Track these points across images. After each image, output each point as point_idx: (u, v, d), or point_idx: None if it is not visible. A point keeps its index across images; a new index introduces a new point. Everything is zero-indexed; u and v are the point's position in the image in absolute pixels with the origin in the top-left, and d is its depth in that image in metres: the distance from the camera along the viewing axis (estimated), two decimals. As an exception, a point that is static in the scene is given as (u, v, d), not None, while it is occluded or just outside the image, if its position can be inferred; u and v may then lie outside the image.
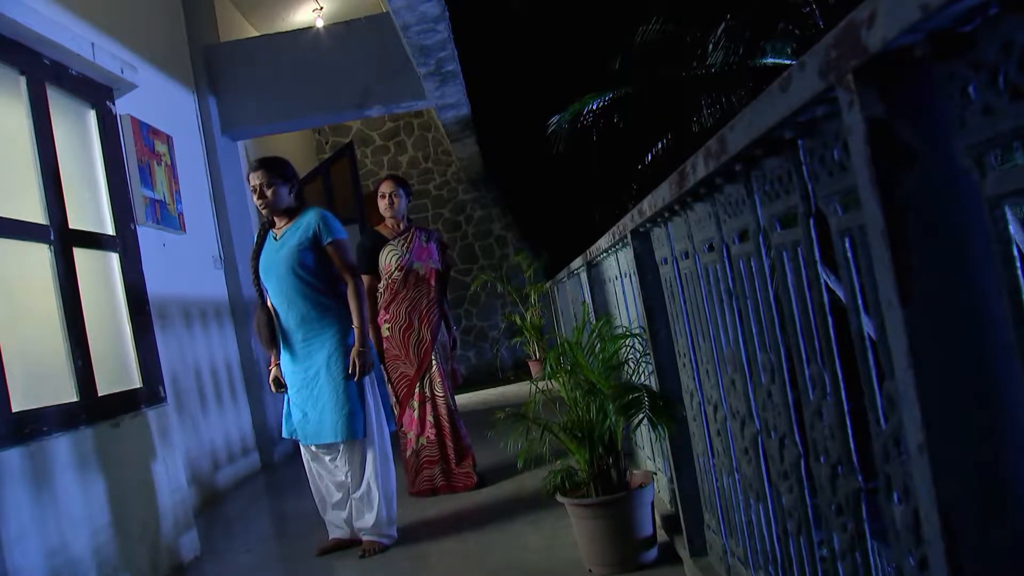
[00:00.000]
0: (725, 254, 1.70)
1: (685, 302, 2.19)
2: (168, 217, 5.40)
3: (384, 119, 10.82)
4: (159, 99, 5.69)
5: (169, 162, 5.58)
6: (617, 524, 2.72)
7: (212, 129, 6.50)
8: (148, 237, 5.05)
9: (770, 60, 10.21)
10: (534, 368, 9.52)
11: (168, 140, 5.63)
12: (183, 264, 5.57)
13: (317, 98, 6.77)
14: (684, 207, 1.87)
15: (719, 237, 1.69)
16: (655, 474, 2.99)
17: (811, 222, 1.19)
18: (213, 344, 5.84)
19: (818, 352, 1.26)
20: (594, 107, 10.63)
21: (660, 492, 3.22)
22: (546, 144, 10.43)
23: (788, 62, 9.90)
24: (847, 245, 1.06)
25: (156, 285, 4.94)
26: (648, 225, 2.29)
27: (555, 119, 10.24)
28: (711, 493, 2.29)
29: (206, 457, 5.31)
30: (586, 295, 4.31)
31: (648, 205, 2.09)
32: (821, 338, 1.20)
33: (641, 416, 2.39)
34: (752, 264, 1.52)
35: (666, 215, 2.04)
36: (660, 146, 11.21)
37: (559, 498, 2.80)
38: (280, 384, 3.55)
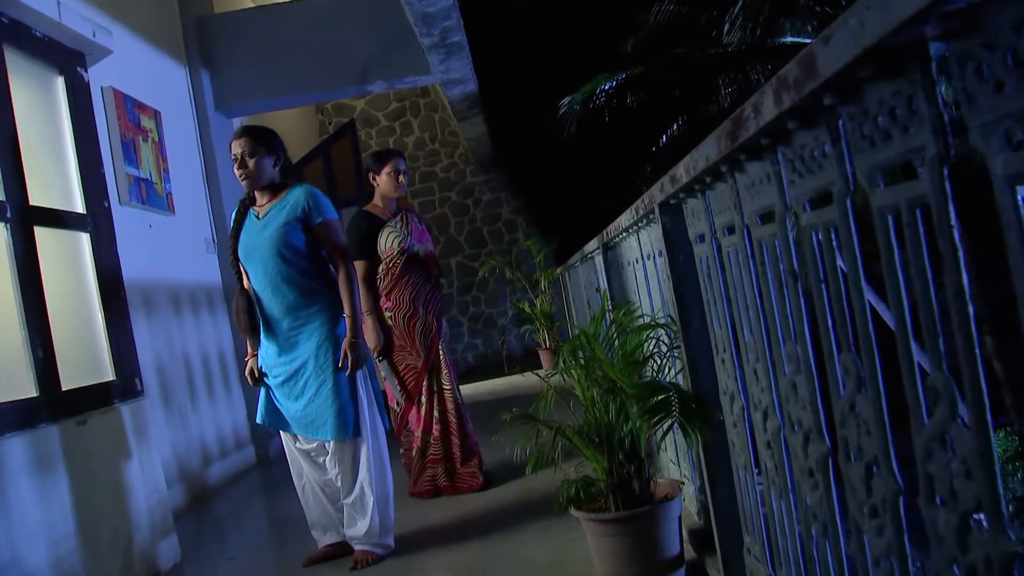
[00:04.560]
0: (789, 226, 1.34)
1: (726, 287, 1.84)
2: (155, 197, 5.05)
3: (389, 99, 10.45)
4: (146, 72, 5.33)
5: (156, 139, 5.24)
6: (639, 542, 2.37)
7: (205, 105, 6.14)
8: (132, 218, 4.73)
9: (789, 39, 9.84)
10: (544, 357, 9.16)
11: (156, 115, 5.28)
12: (171, 247, 5.23)
13: (316, 73, 6.40)
14: (733, 168, 1.51)
15: (782, 204, 1.33)
16: (682, 483, 2.64)
17: (945, 171, 0.83)
18: (204, 332, 5.50)
19: (943, 356, 0.91)
20: (606, 87, 10.29)
21: (685, 501, 2.87)
22: (557, 125, 10.08)
23: (807, 40, 9.50)
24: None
25: (141, 269, 4.63)
26: (682, 195, 1.93)
27: (567, 100, 9.89)
28: (754, 513, 1.94)
29: (195, 452, 4.98)
30: (602, 280, 3.95)
31: (684, 169, 1.72)
32: (963, 338, 0.84)
33: (671, 421, 2.03)
34: (833, 237, 1.17)
35: (707, 180, 1.68)
36: (675, 128, 10.86)
37: (574, 512, 2.45)
38: (256, 377, 3.22)
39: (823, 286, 1.25)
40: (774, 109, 1.11)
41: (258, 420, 3.24)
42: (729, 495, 2.11)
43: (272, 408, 3.19)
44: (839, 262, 1.19)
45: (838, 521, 1.38)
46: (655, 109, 10.67)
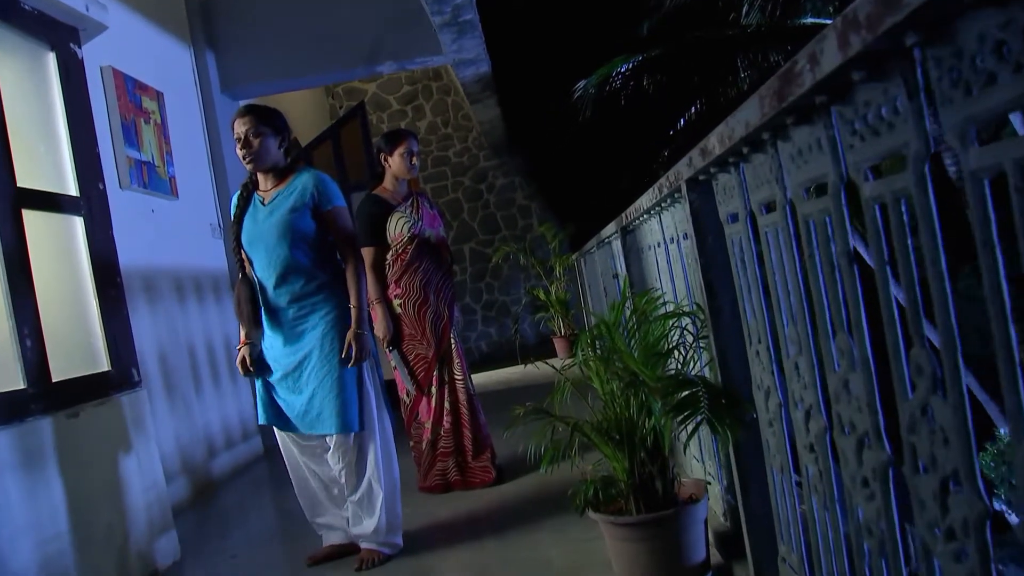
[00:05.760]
0: (844, 199, 1.16)
1: (762, 271, 1.66)
2: (157, 180, 4.90)
3: (401, 82, 10.26)
4: (149, 52, 5.17)
5: (159, 121, 5.08)
6: (663, 547, 2.20)
7: (210, 87, 5.97)
8: (133, 202, 4.58)
9: (810, 20, 9.61)
10: (559, 345, 8.98)
11: (159, 97, 5.12)
12: (175, 232, 5.07)
13: (325, 54, 6.22)
14: (776, 134, 1.33)
15: (837, 174, 1.15)
16: (708, 483, 2.46)
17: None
18: (210, 320, 5.36)
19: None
20: (623, 70, 10.09)
21: (711, 501, 2.69)
22: (572, 109, 9.87)
23: (828, 21, 9.25)
24: None
25: (143, 255, 4.49)
26: (713, 170, 1.74)
27: (582, 84, 9.68)
28: (791, 520, 1.76)
29: (200, 444, 4.84)
30: (620, 266, 3.77)
31: (718, 139, 1.54)
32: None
33: (700, 418, 1.85)
34: (903, 210, 0.98)
35: (744, 151, 1.49)
36: (693, 111, 10.66)
37: (592, 515, 2.28)
38: (248, 368, 3.05)
39: (887, 268, 1.07)
40: (838, 56, 0.92)
41: (260, 421, 3.08)
42: (762, 499, 1.93)
43: (272, 406, 3.02)
44: (926, 238, 1.01)
45: (898, 539, 1.20)
46: (672, 92, 10.46)
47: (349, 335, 2.92)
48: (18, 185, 2.94)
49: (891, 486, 1.19)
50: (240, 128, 2.98)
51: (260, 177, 3.06)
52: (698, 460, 2.85)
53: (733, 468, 2.05)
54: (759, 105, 1.24)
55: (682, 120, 10.81)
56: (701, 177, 1.85)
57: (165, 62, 5.44)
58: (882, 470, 1.19)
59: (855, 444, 1.27)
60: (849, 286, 1.18)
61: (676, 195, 2.18)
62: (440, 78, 10.27)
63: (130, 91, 4.75)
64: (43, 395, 2.84)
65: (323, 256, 3.03)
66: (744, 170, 1.60)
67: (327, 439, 2.99)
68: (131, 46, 4.83)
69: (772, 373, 1.69)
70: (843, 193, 1.16)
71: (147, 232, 4.65)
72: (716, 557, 2.43)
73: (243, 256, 3.07)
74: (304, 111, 8.76)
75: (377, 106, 10.25)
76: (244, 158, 2.99)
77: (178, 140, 5.30)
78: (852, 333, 1.20)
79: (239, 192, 3.11)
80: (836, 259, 1.22)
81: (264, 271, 2.99)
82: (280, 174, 3.04)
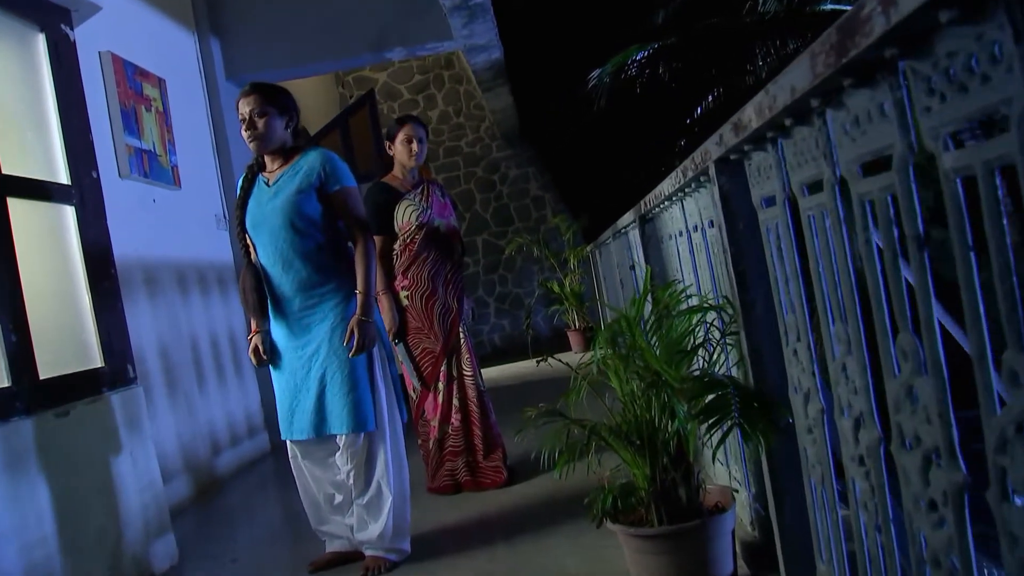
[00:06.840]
0: (911, 174, 0.98)
1: (802, 261, 1.48)
2: (159, 170, 4.75)
3: (412, 70, 10.08)
4: (150, 38, 5.01)
5: (161, 108, 4.92)
6: (687, 560, 2.03)
7: (215, 74, 5.81)
8: (134, 191, 4.43)
9: (829, 6, 9.38)
10: (573, 339, 8.80)
11: (160, 84, 4.96)
12: (178, 223, 4.92)
13: (332, 40, 6.04)
14: (827, 102, 1.15)
15: (905, 144, 0.97)
16: (735, 490, 2.28)
17: None
18: (214, 313, 5.21)
19: None
20: (638, 58, 9.91)
21: (737, 509, 2.51)
22: (587, 98, 9.68)
23: (847, 8, 9.03)
24: None
25: (143, 246, 4.35)
26: (747, 148, 1.56)
27: (596, 73, 9.50)
28: (833, 537, 1.58)
29: (203, 440, 4.69)
30: (638, 256, 3.59)
31: (755, 111, 1.36)
32: None
33: (730, 424, 1.68)
34: (999, 183, 0.80)
35: (786, 123, 1.31)
36: (710, 99, 10.46)
37: (610, 526, 2.10)
38: (262, 357, 2.89)
39: (971, 254, 0.89)
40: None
41: (284, 436, 2.92)
42: (798, 511, 1.75)
43: (290, 416, 2.87)
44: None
45: (974, 574, 1.02)
46: (689, 81, 10.27)
47: (352, 322, 2.76)
48: (3, 172, 2.79)
49: (966, 513, 1.01)
50: (244, 108, 2.82)
51: (266, 158, 2.90)
52: (722, 464, 2.67)
53: (765, 476, 1.88)
54: (810, 65, 1.06)
55: (699, 109, 10.62)
56: (732, 157, 1.67)
57: (167, 48, 5.28)
58: (956, 493, 1.01)
59: (920, 461, 1.09)
60: (919, 276, 1.00)
61: (702, 178, 1.99)
62: (452, 66, 10.08)
63: (130, 77, 4.59)
64: (29, 393, 2.69)
65: (332, 243, 2.86)
66: (783, 147, 1.42)
67: (337, 439, 2.82)
68: (131, 31, 4.68)
69: (813, 375, 1.51)
70: (912, 167, 0.98)
71: (148, 223, 4.51)
72: (744, 569, 2.26)
73: (248, 241, 2.91)
74: (314, 100, 8.59)
75: (388, 95, 10.07)
76: (249, 139, 2.83)
77: (181, 128, 5.15)
78: (921, 332, 1.02)
79: (244, 174, 2.96)
80: (901, 245, 1.04)
81: (268, 257, 2.83)
82: (287, 154, 2.88)
